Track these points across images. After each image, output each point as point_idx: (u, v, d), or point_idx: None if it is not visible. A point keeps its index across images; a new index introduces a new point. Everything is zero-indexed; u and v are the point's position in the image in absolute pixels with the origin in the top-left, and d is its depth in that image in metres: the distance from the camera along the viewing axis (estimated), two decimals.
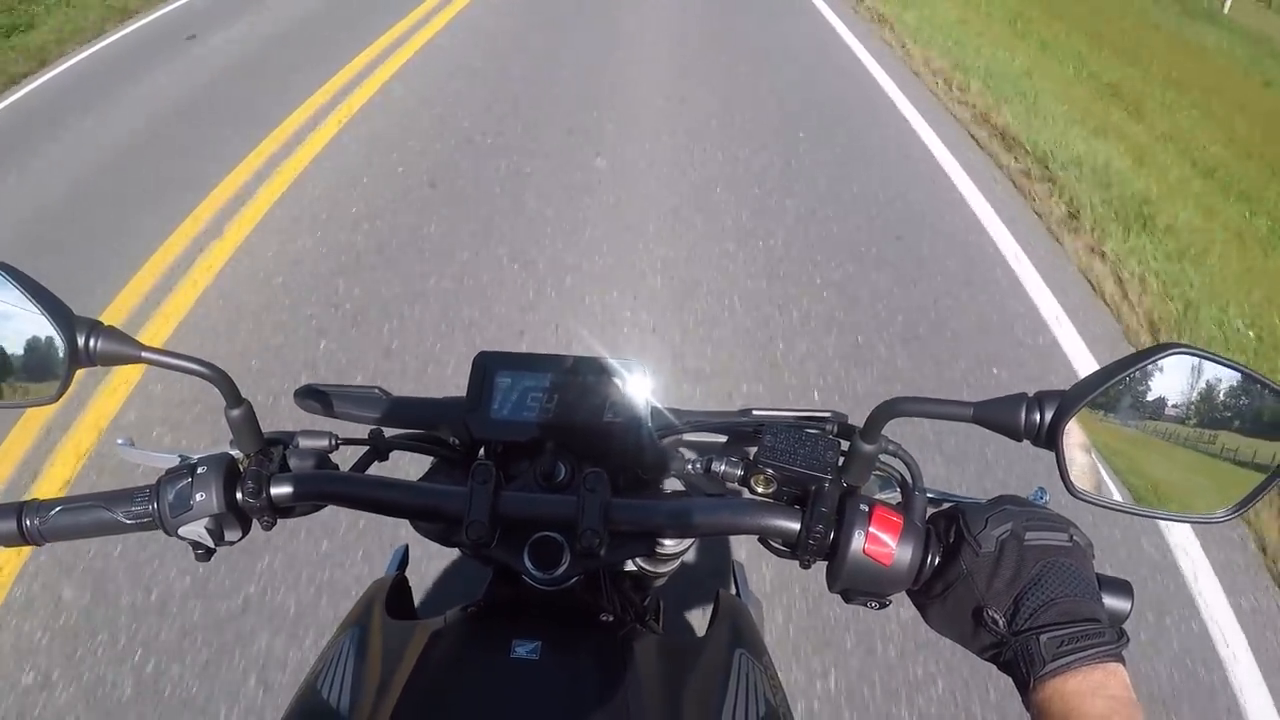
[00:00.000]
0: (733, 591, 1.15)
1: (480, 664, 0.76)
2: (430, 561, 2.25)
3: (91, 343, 0.68)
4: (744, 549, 2.23)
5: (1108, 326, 3.93)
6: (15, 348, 0.70)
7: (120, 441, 0.87)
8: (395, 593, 0.95)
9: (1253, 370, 0.65)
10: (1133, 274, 4.24)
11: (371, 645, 0.83)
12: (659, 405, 0.87)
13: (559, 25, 7.63)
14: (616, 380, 0.84)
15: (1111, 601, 0.66)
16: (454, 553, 1.82)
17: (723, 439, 0.86)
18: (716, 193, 4.68)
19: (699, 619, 1.01)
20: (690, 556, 1.01)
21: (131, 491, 0.75)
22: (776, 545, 0.74)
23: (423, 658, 0.77)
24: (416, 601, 1.03)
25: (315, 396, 0.92)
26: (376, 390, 0.94)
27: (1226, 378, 0.66)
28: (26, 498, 0.76)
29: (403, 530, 0.91)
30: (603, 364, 0.84)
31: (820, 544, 0.70)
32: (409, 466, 0.93)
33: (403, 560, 1.13)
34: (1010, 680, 0.64)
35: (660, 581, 1.05)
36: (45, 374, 0.70)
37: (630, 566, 1.00)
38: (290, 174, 4.78)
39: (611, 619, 0.86)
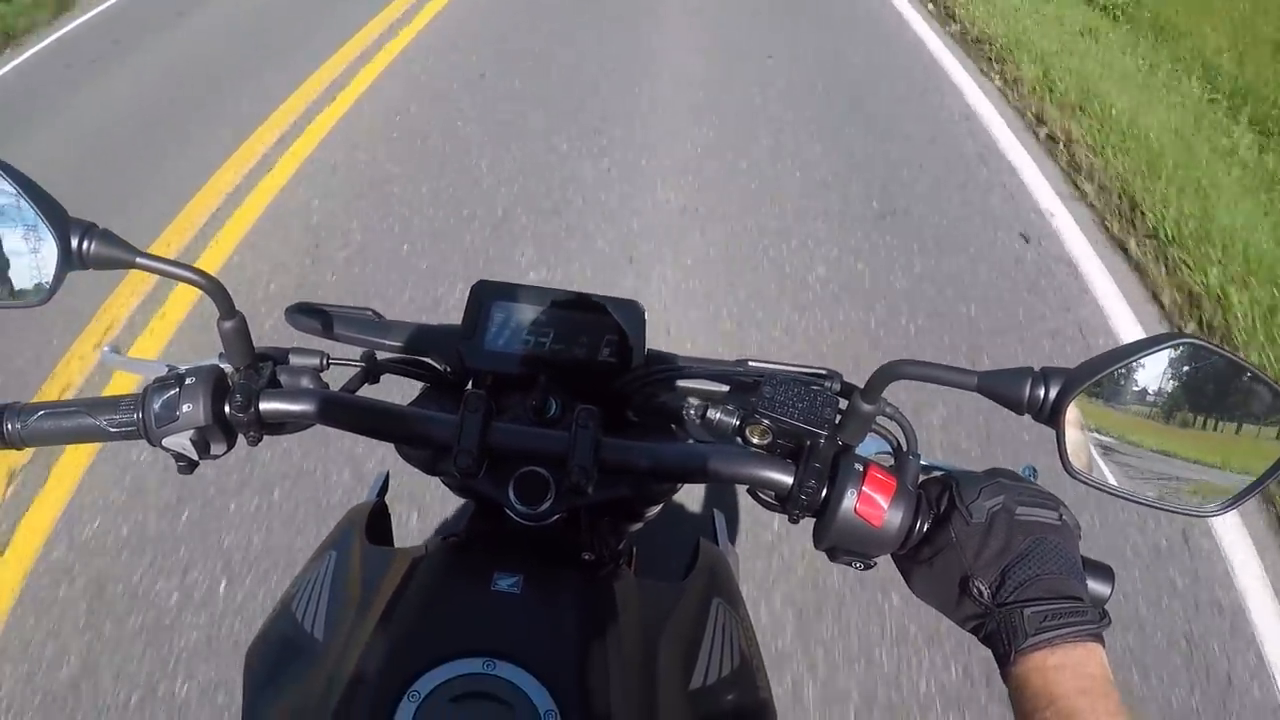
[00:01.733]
0: (713, 541, 1.15)
1: (461, 593, 0.75)
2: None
3: (85, 245, 0.66)
4: (726, 503, 2.27)
5: None
6: (6, 246, 0.68)
7: (106, 349, 0.85)
8: (375, 519, 0.95)
9: (1258, 369, 0.65)
10: None
11: (350, 569, 0.83)
12: (656, 349, 0.86)
13: None
14: (615, 319, 0.83)
15: (1093, 584, 0.66)
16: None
17: (717, 387, 0.86)
18: None
19: (675, 565, 1.01)
20: (672, 503, 1.01)
21: (117, 399, 0.74)
22: (767, 498, 0.74)
23: (403, 584, 0.76)
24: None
25: (309, 314, 0.91)
26: (370, 312, 0.93)
27: (1232, 372, 0.66)
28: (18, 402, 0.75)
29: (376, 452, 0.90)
30: (601, 301, 0.83)
31: (812, 500, 0.70)
32: (398, 392, 0.92)
33: (383, 487, 1.13)
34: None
35: (639, 526, 1.05)
36: (36, 274, 0.68)
37: (612, 507, 1.00)
38: None
39: (593, 558, 0.86)
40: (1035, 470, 0.78)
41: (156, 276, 0.69)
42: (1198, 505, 0.69)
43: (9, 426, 0.73)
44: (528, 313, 0.84)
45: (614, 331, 0.83)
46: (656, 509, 0.99)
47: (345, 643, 0.75)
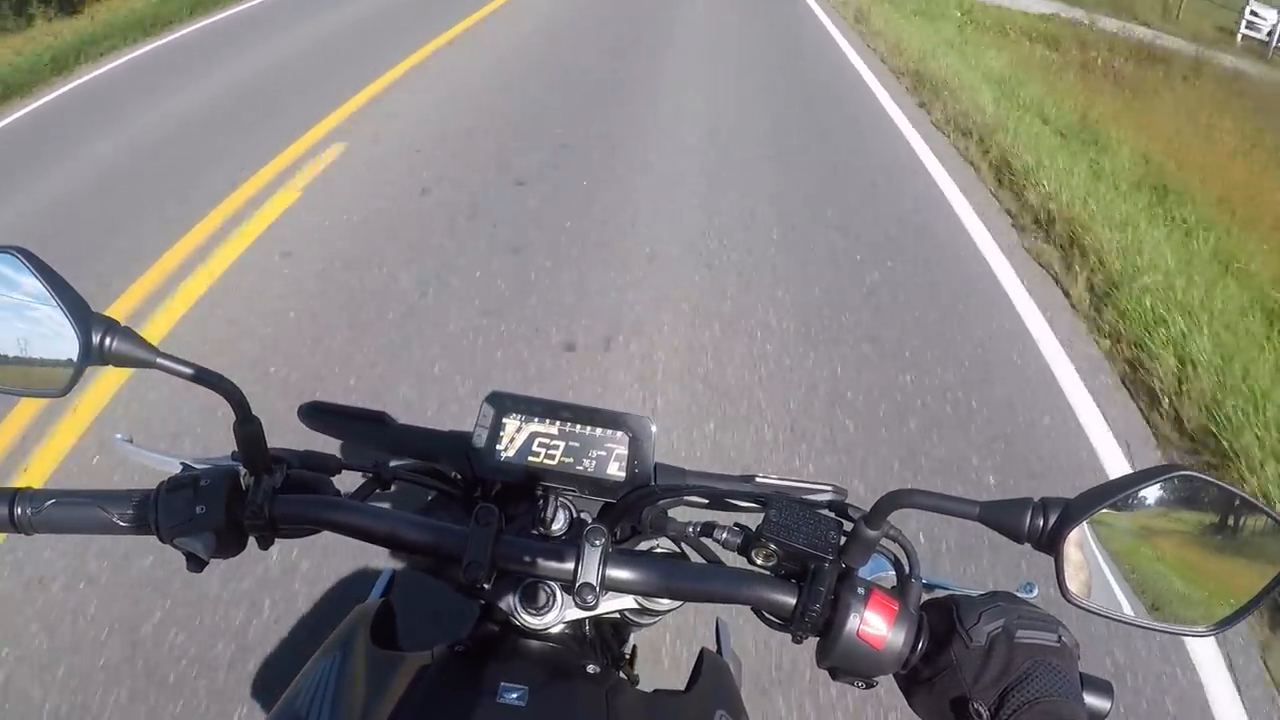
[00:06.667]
0: (715, 649, 1.14)
1: (466, 706, 0.75)
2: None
3: (106, 342, 0.66)
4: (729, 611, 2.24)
5: None
6: (30, 336, 0.68)
7: (120, 438, 0.86)
8: (380, 619, 0.95)
9: (1252, 496, 0.66)
10: None
11: (354, 673, 0.83)
12: (664, 463, 0.87)
13: None
14: (624, 434, 0.84)
15: (1092, 700, 0.67)
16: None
17: (724, 506, 0.86)
18: None
19: (680, 673, 1.01)
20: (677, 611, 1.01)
21: (130, 494, 0.74)
22: (770, 617, 0.74)
23: (408, 693, 0.76)
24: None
25: (320, 416, 0.92)
26: (382, 414, 0.94)
27: (1226, 500, 0.67)
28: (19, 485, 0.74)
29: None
30: (612, 417, 0.85)
31: (815, 622, 0.71)
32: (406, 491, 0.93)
33: (388, 585, 1.13)
34: None
35: (642, 630, 1.05)
36: (57, 366, 0.68)
37: (615, 615, 1.00)
38: None
39: (598, 670, 0.86)
40: (1034, 586, 0.79)
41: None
42: (1192, 626, 0.70)
43: (20, 512, 0.73)
44: (539, 425, 0.85)
45: (624, 446, 0.84)
46: (660, 617, 0.99)
47: None
